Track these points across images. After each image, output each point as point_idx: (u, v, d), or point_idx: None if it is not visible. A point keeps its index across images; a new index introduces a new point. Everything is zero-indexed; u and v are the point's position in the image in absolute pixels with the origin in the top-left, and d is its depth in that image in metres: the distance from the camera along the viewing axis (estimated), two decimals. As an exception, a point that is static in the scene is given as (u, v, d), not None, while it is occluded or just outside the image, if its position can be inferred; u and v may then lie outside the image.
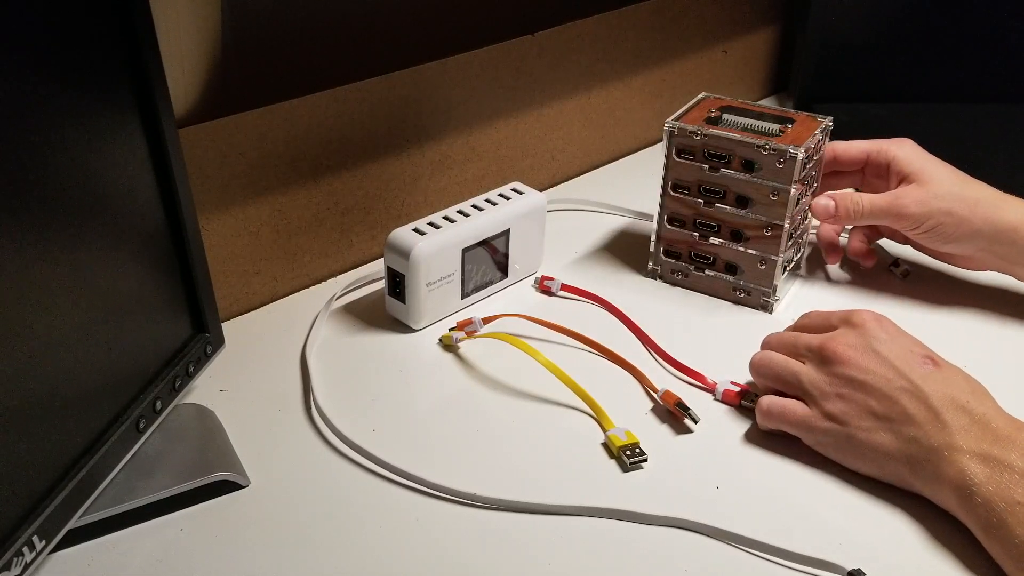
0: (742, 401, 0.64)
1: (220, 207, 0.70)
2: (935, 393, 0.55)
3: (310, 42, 0.76)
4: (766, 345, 0.65)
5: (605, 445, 0.61)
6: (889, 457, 0.55)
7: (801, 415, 0.59)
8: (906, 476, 0.55)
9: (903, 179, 0.72)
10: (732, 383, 0.66)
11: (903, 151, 0.73)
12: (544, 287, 0.78)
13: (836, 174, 0.78)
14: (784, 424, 0.60)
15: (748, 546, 0.54)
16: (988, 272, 0.76)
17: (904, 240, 0.77)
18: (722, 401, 0.65)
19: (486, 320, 0.71)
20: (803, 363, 0.60)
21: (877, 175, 0.75)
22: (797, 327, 0.65)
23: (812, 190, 0.77)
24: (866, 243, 0.78)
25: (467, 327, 0.70)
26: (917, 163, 0.72)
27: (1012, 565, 0.50)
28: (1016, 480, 0.51)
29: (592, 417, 0.64)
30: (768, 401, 0.61)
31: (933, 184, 0.71)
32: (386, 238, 0.70)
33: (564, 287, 0.77)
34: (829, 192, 0.75)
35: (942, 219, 0.70)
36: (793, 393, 0.60)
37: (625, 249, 0.84)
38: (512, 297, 0.77)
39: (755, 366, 0.63)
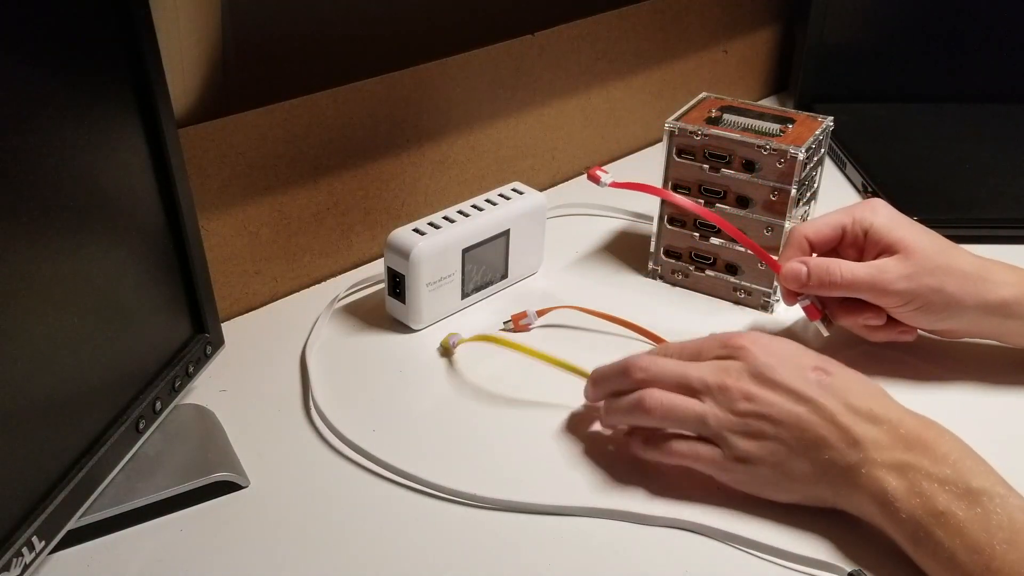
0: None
1: (220, 207, 0.70)
2: (838, 407, 0.53)
3: (310, 42, 0.76)
4: (647, 375, 0.58)
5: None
6: (808, 484, 0.54)
7: (712, 457, 0.56)
8: (829, 498, 0.54)
9: (883, 250, 0.65)
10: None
11: (879, 218, 0.65)
12: (594, 176, 0.75)
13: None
14: (695, 465, 0.57)
15: (748, 546, 0.54)
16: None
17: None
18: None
19: (540, 313, 0.72)
20: (702, 402, 0.56)
21: (853, 245, 0.67)
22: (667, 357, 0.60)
23: (812, 191, 0.77)
24: (821, 313, 0.68)
25: (521, 320, 0.72)
26: (897, 231, 0.64)
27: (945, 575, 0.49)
28: (935, 489, 0.49)
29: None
30: (677, 444, 0.57)
31: (917, 256, 0.63)
32: (386, 238, 0.70)
33: (613, 183, 0.75)
34: (802, 258, 0.66)
35: (930, 297, 0.63)
36: (696, 435, 0.57)
37: (625, 249, 0.84)
38: (514, 297, 0.77)
39: (649, 410, 0.57)
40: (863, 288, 0.64)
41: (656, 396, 0.57)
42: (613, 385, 0.60)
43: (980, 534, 0.48)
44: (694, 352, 0.59)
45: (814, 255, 0.67)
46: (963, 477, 0.49)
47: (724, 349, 0.57)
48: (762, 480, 0.55)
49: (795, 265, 0.66)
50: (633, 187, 0.73)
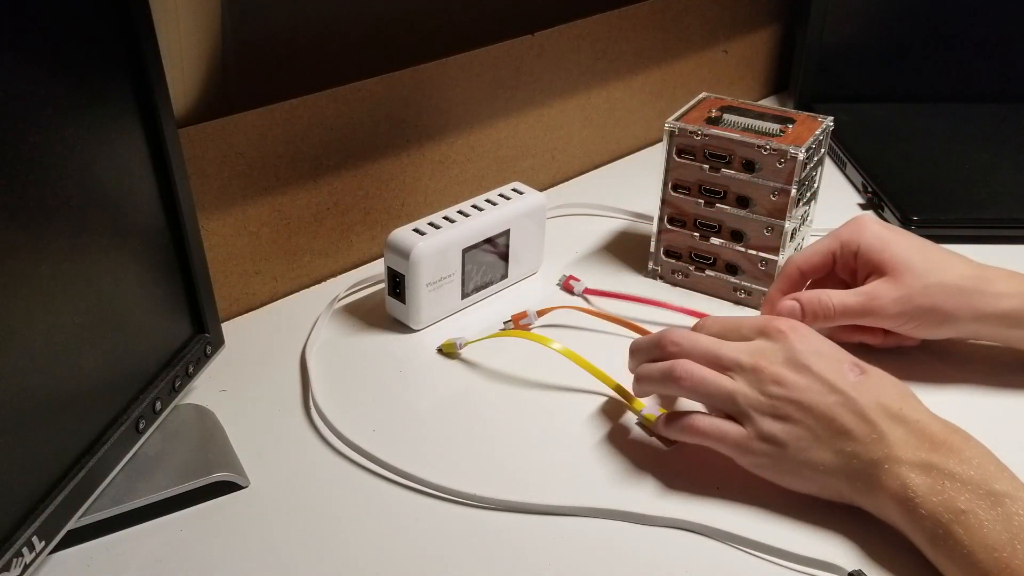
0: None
1: (220, 207, 0.70)
2: (869, 403, 0.53)
3: (310, 42, 0.76)
4: (679, 349, 0.58)
5: (641, 424, 0.62)
6: (828, 474, 0.54)
7: (736, 436, 0.56)
8: (846, 492, 0.54)
9: (873, 270, 0.65)
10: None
11: (866, 237, 0.65)
12: (568, 286, 0.78)
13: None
14: (718, 445, 0.57)
15: (748, 546, 0.54)
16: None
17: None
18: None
19: (540, 313, 0.72)
20: (733, 379, 0.56)
21: (845, 268, 0.68)
22: (705, 333, 0.60)
23: (812, 191, 0.77)
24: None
25: (521, 320, 0.72)
26: (886, 251, 0.64)
27: (961, 575, 0.49)
28: (958, 488, 0.50)
29: (623, 403, 0.64)
30: (701, 420, 0.57)
31: (907, 276, 0.63)
32: (386, 238, 0.70)
33: (587, 291, 0.77)
34: (794, 294, 0.67)
35: (926, 316, 0.63)
36: (723, 411, 0.57)
37: (625, 249, 0.84)
38: (514, 297, 0.77)
39: (679, 379, 0.57)
40: (856, 316, 0.65)
41: (687, 366, 0.57)
42: (647, 356, 0.60)
43: (1000, 534, 0.48)
44: (732, 330, 0.59)
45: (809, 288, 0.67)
46: (986, 480, 0.50)
47: (762, 333, 0.58)
48: (782, 466, 0.55)
49: (788, 303, 0.66)
50: (608, 295, 0.76)
